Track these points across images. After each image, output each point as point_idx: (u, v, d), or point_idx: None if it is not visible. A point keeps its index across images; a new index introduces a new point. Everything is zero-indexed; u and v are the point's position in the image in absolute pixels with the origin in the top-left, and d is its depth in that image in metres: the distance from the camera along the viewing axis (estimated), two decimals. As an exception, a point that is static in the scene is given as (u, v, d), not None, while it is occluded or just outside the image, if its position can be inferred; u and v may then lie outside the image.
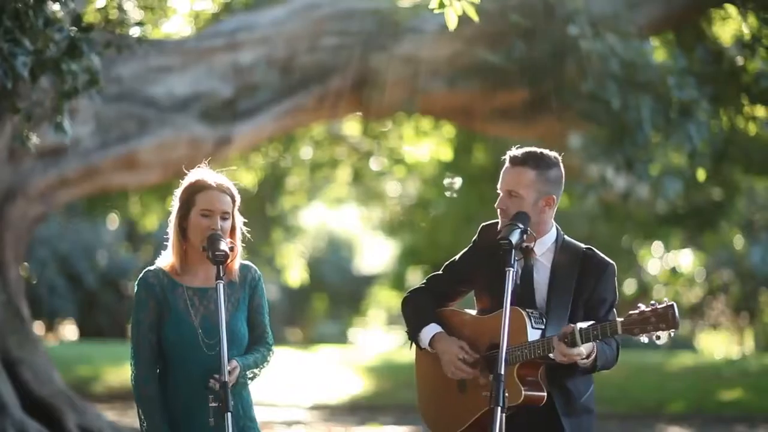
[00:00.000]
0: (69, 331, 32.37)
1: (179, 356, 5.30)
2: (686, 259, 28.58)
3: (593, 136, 13.35)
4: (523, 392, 5.27)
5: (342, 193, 21.85)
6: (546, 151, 5.50)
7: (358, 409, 17.65)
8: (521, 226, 5.34)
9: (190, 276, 5.35)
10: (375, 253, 37.86)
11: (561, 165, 5.51)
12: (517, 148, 5.54)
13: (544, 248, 5.50)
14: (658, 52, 14.13)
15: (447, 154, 17.90)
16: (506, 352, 5.12)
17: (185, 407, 5.31)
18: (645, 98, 12.50)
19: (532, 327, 5.33)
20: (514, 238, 5.28)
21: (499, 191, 5.51)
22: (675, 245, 26.04)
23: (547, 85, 13.53)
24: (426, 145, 17.28)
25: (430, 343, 5.55)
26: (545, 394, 5.34)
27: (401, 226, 24.12)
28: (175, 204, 5.39)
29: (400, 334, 37.05)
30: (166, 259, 5.41)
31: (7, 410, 11.82)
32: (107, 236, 30.65)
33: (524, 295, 5.39)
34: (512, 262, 5.24)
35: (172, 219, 5.37)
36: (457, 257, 5.73)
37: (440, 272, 5.77)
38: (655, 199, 15.28)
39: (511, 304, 5.21)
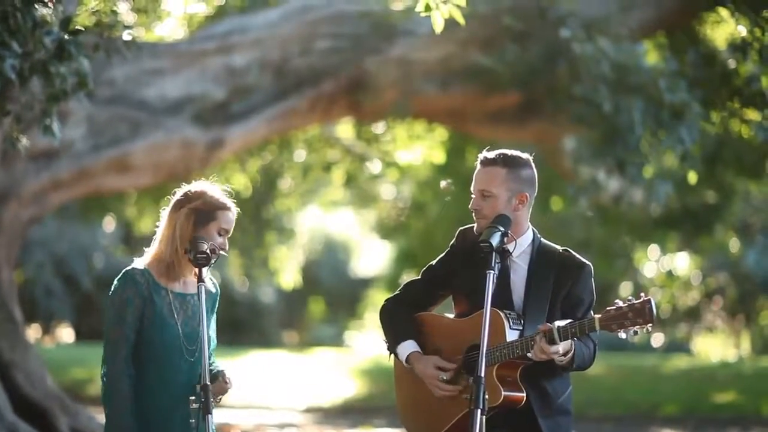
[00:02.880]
0: (65, 333, 32.35)
1: (160, 360, 5.33)
2: (682, 262, 28.57)
3: (585, 139, 13.36)
4: (502, 393, 5.29)
5: (337, 196, 21.85)
6: (517, 152, 5.54)
7: (352, 412, 17.65)
8: (502, 228, 5.36)
9: (174, 281, 5.40)
10: (371, 256, 37.83)
11: (533, 165, 5.55)
12: (488, 150, 5.59)
13: (520, 250, 5.53)
14: (649, 54, 14.14)
15: (440, 157, 17.91)
16: (484, 353, 5.14)
17: (161, 411, 5.33)
18: (637, 101, 12.51)
19: (510, 328, 5.36)
20: (495, 240, 5.31)
21: (472, 193, 5.55)
22: (671, 248, 26.04)
23: (539, 88, 13.55)
24: (419, 148, 17.28)
25: (407, 362, 5.58)
26: (524, 394, 5.36)
27: (396, 229, 24.11)
28: (182, 211, 5.41)
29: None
30: (151, 260, 5.45)
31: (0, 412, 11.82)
32: (103, 238, 30.65)
33: (501, 297, 5.41)
34: (492, 264, 5.26)
35: (180, 224, 5.39)
36: (434, 262, 5.76)
37: (418, 278, 5.79)
38: (649, 202, 15.28)
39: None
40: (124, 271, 5.40)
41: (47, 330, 31.31)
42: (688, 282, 29.74)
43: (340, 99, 14.28)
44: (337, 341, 37.41)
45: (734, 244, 25.64)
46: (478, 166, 5.55)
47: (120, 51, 9.76)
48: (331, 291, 37.59)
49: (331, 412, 17.71)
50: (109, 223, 27.78)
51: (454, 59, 14.02)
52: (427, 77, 14.14)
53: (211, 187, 5.49)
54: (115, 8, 10.79)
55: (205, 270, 5.37)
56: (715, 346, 32.98)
